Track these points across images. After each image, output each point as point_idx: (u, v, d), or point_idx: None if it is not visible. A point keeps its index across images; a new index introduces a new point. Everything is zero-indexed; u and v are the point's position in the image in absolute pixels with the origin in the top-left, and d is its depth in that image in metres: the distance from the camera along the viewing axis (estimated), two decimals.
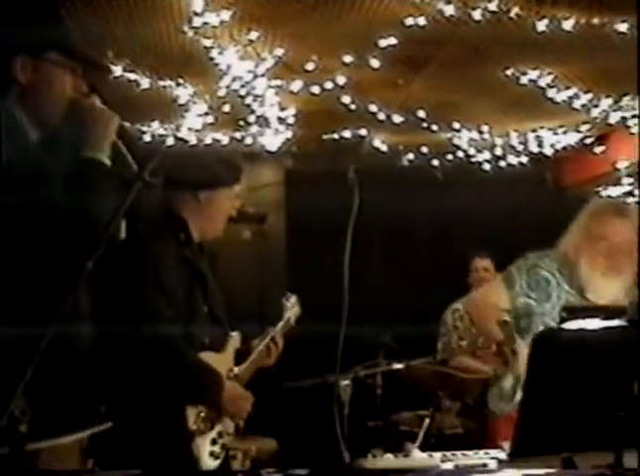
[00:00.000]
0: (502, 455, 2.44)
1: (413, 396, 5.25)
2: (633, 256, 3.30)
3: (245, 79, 4.49)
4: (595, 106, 5.55)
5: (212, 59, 4.36)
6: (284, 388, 3.83)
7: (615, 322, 2.33)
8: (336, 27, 3.87)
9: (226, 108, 4.99)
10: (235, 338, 3.17)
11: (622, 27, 4.12)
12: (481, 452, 2.68)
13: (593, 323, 2.31)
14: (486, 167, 6.83)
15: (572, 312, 2.31)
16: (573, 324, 2.30)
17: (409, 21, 3.79)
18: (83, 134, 2.20)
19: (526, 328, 3.45)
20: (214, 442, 2.94)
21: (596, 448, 2.26)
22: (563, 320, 2.31)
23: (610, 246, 3.34)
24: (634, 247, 3.29)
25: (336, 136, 6.04)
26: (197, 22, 3.92)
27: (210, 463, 2.91)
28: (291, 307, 3.57)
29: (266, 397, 3.60)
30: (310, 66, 4.30)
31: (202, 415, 2.90)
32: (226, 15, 3.76)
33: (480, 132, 6.20)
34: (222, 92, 4.60)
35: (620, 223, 3.35)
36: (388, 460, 2.55)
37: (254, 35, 3.83)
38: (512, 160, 6.80)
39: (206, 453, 2.90)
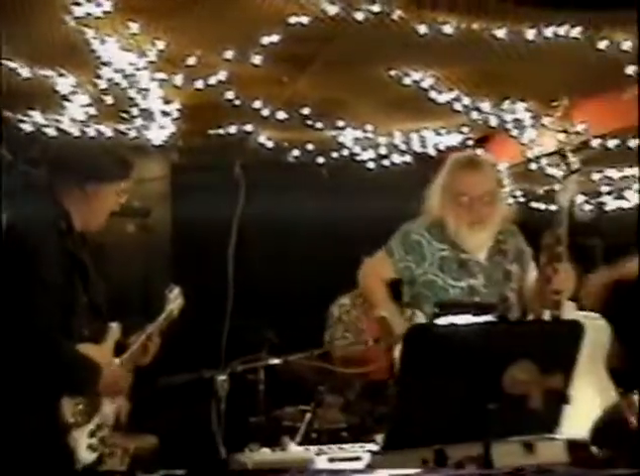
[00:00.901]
0: (376, 448, 2.49)
1: (296, 391, 5.29)
2: (495, 206, 3.46)
3: (127, 72, 4.43)
4: (476, 109, 5.70)
5: (94, 50, 4.29)
6: (160, 383, 3.80)
7: (485, 318, 2.41)
8: (218, 22, 3.86)
9: (109, 100, 4.91)
10: (115, 329, 3.13)
11: (500, 33, 4.24)
12: (357, 446, 2.74)
13: (465, 319, 2.39)
14: (371, 165, 6.93)
15: (444, 309, 2.39)
16: (444, 320, 2.37)
17: (293, 19, 3.81)
18: None
19: (415, 296, 3.56)
20: (92, 435, 2.90)
21: (467, 440, 2.34)
22: (435, 316, 2.38)
23: (470, 199, 3.47)
24: (494, 197, 3.46)
25: (222, 131, 6.01)
26: (79, 12, 3.85)
27: (87, 456, 2.87)
28: (174, 299, 3.55)
29: (146, 392, 3.58)
30: (192, 61, 4.28)
31: (80, 407, 2.85)
32: (107, 5, 3.71)
33: (365, 131, 6.28)
34: (104, 84, 4.53)
35: (473, 176, 3.49)
36: (265, 454, 2.59)
37: (135, 27, 3.78)
38: (396, 159, 6.91)
39: (83, 446, 2.86)
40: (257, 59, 4.24)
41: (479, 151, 3.77)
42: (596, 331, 3.44)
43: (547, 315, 3.26)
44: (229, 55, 4.18)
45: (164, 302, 3.50)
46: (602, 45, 4.47)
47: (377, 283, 3.71)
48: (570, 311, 3.33)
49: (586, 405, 2.89)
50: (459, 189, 3.48)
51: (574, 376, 2.52)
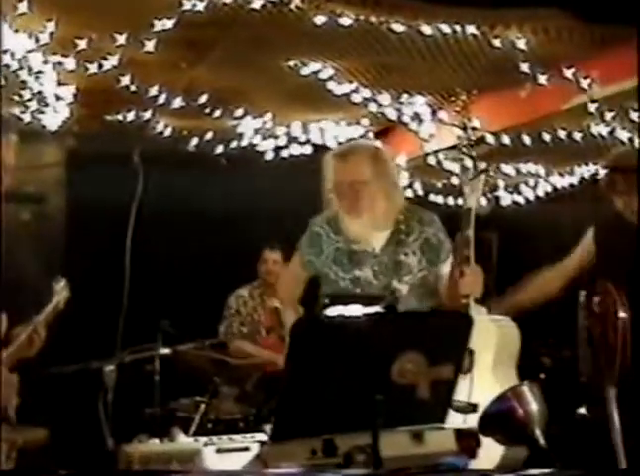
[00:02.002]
0: (266, 438, 2.49)
1: (192, 382, 5.25)
2: (371, 195, 3.45)
3: (18, 54, 4.30)
4: (375, 101, 5.74)
5: None
6: (48, 373, 3.74)
7: (374, 309, 2.43)
8: (110, 4, 3.78)
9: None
10: (0, 321, 3.05)
11: (398, 26, 4.27)
12: (248, 436, 2.73)
13: (353, 310, 2.39)
14: (270, 155, 6.91)
15: (333, 300, 2.39)
16: (333, 311, 2.37)
17: (188, 5, 3.76)
18: None
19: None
20: None
21: (356, 430, 2.35)
22: (324, 307, 2.38)
23: (343, 188, 3.48)
24: (368, 186, 3.44)
25: (119, 117, 5.91)
26: None
27: None
28: (60, 291, 3.48)
29: (34, 384, 3.50)
30: (84, 44, 4.18)
31: None
32: None
33: (264, 121, 6.26)
34: None
35: (344, 164, 3.50)
36: (152, 445, 2.55)
37: (23, 6, 3.66)
38: (295, 150, 6.91)
39: None
40: (150, 45, 4.16)
41: (365, 141, 3.79)
42: (506, 335, 3.52)
43: None
44: (122, 39, 4.10)
45: (52, 294, 3.43)
46: (497, 42, 4.54)
47: (289, 279, 3.77)
48: (479, 315, 3.35)
49: None
50: (335, 179, 3.51)
51: (462, 367, 2.56)
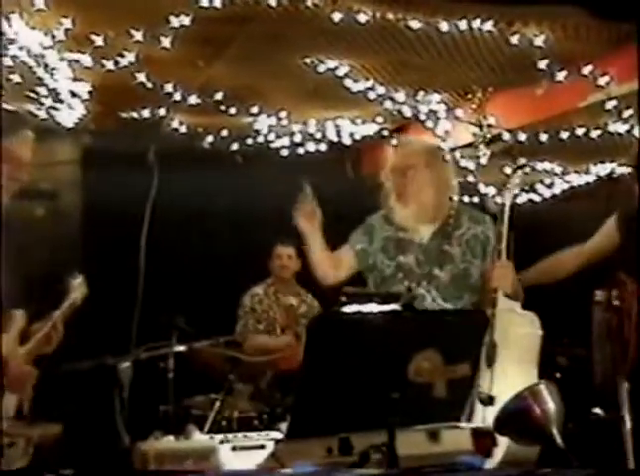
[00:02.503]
0: (281, 436, 2.48)
1: (207, 379, 5.25)
2: (419, 182, 3.62)
3: (34, 50, 4.30)
4: (391, 99, 5.72)
5: None
6: (63, 369, 3.74)
7: (391, 307, 2.42)
8: (124, 0, 3.78)
9: (16, 79, 4.76)
10: (18, 317, 3.05)
11: (415, 23, 4.26)
12: (263, 434, 2.73)
13: (370, 308, 2.38)
14: (285, 153, 6.90)
15: (350, 297, 2.38)
16: (350, 308, 2.36)
17: (203, 1, 3.76)
18: None
19: (382, 282, 3.68)
20: None
21: (372, 429, 2.34)
22: (341, 305, 2.37)
23: (396, 172, 3.68)
24: (417, 173, 3.62)
25: (135, 115, 5.91)
26: None
27: None
28: (78, 287, 3.48)
29: (51, 380, 3.50)
30: (100, 41, 4.18)
31: None
32: None
33: (279, 118, 6.25)
34: (9, 62, 4.38)
35: (397, 150, 3.78)
36: (167, 443, 2.55)
37: (40, 2, 3.66)
38: (311, 147, 6.90)
39: None
40: (167, 42, 4.16)
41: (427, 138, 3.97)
42: (527, 326, 3.53)
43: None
44: (138, 36, 4.10)
45: (69, 290, 3.43)
46: (515, 39, 4.52)
47: (331, 260, 3.83)
48: (509, 309, 3.43)
49: None
50: (391, 162, 3.72)
51: (480, 366, 2.55)
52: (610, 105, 5.05)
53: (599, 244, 4.05)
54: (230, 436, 2.61)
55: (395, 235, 3.70)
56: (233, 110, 5.81)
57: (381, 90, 5.57)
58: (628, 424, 3.52)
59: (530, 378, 3.27)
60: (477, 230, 3.68)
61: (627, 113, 5.24)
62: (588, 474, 2.40)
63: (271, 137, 6.70)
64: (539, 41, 4.54)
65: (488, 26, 4.34)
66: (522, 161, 3.65)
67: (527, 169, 3.81)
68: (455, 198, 3.77)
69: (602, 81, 4.84)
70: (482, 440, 2.69)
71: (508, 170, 7.13)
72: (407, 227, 3.69)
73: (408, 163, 3.66)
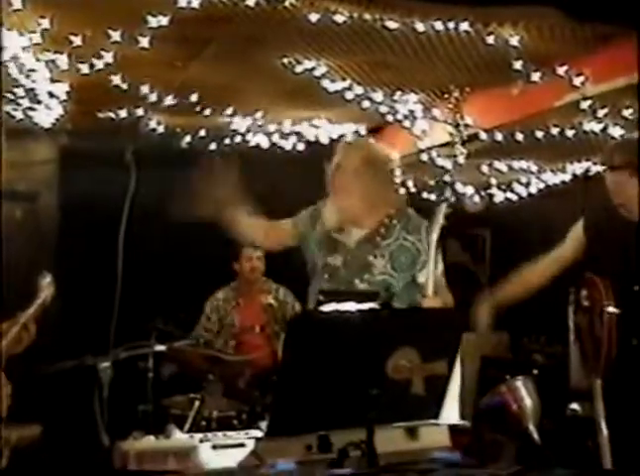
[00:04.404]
0: (260, 435, 2.50)
1: (186, 379, 5.26)
2: (348, 186, 3.59)
3: (11, 52, 4.29)
4: (368, 99, 5.75)
5: None
6: (43, 370, 3.75)
7: (369, 305, 2.44)
8: (103, 1, 3.78)
9: None
10: None
11: (392, 25, 4.28)
12: (242, 433, 2.74)
13: (349, 306, 2.41)
14: (263, 152, 6.91)
15: (328, 295, 2.40)
16: (328, 307, 2.38)
17: (182, 2, 3.76)
18: None
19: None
20: None
21: (351, 426, 2.36)
22: (319, 303, 2.39)
23: (332, 170, 3.65)
24: (349, 174, 3.58)
25: (112, 115, 5.90)
26: None
27: None
28: (47, 287, 3.50)
29: (31, 380, 3.50)
30: (78, 41, 4.18)
31: None
32: None
33: (256, 118, 6.27)
34: None
35: (340, 150, 3.67)
36: (148, 442, 2.55)
37: (17, 3, 3.65)
38: (288, 146, 6.92)
39: None
40: (145, 42, 4.16)
41: (370, 139, 3.84)
42: None
43: None
44: (116, 36, 4.10)
45: (38, 290, 3.44)
46: (491, 39, 4.55)
47: (274, 231, 3.87)
48: None
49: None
50: (333, 160, 3.65)
51: (456, 363, 2.58)
52: (585, 105, 5.10)
53: (571, 248, 4.07)
54: (210, 435, 2.62)
55: (331, 233, 3.68)
56: (208, 111, 5.83)
57: (359, 90, 5.59)
58: (602, 422, 3.56)
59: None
60: (407, 241, 3.62)
61: (602, 113, 5.29)
62: (570, 474, 2.43)
63: (249, 137, 6.71)
64: (514, 41, 4.58)
65: (464, 26, 4.37)
66: (447, 194, 3.67)
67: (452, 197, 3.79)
68: (394, 204, 3.72)
69: (577, 81, 4.89)
70: (460, 436, 2.72)
71: (485, 169, 7.23)
72: (342, 227, 3.67)
73: (341, 163, 3.62)
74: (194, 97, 5.56)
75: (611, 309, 3.60)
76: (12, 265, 6.04)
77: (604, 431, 3.54)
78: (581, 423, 4.24)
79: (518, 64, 4.83)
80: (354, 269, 3.58)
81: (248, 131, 6.57)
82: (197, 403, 4.78)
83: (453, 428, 2.70)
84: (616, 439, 3.54)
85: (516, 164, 7.28)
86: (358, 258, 3.59)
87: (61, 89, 5.33)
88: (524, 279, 4.14)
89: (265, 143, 6.85)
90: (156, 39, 4.21)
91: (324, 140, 6.85)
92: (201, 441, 2.50)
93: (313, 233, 3.72)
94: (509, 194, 8.03)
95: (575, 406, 4.49)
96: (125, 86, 5.00)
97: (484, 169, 7.33)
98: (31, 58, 4.49)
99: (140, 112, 5.79)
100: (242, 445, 2.49)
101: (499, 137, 6.08)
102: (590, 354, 3.70)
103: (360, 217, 3.64)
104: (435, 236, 3.41)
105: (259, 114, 6.20)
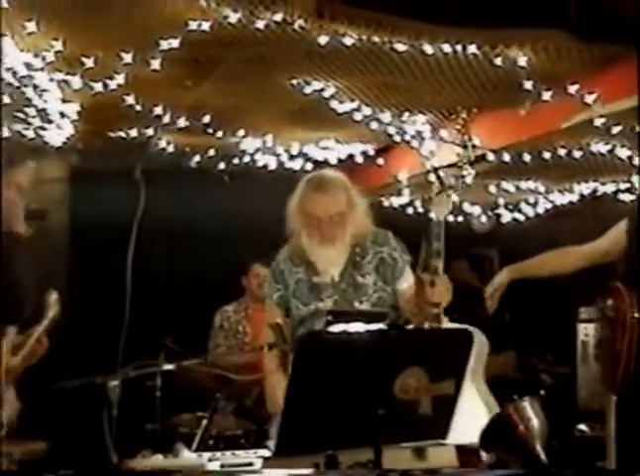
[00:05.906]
0: (268, 454, 2.51)
1: (194, 398, 5.27)
2: (345, 225, 3.51)
3: (23, 72, 4.34)
4: (376, 119, 5.78)
5: None
6: (53, 388, 3.76)
7: (377, 326, 2.46)
8: (115, 23, 3.82)
9: (5, 100, 4.80)
10: (11, 332, 3.10)
11: (401, 47, 4.32)
12: (251, 452, 2.75)
13: (357, 327, 2.43)
14: (271, 172, 6.95)
15: (337, 316, 2.42)
16: (337, 327, 2.40)
17: (193, 25, 3.80)
18: None
19: (298, 326, 3.58)
20: None
21: (358, 445, 2.37)
22: (328, 324, 2.41)
23: (319, 220, 3.51)
24: (343, 217, 3.50)
25: (123, 134, 5.95)
26: None
27: None
28: (54, 303, 3.55)
29: (37, 397, 3.52)
30: (90, 63, 4.22)
31: None
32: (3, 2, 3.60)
33: (266, 139, 6.31)
34: None
35: (322, 198, 3.52)
36: (156, 460, 2.57)
37: (31, 25, 3.69)
38: (297, 166, 6.95)
39: None
40: (156, 64, 4.20)
41: (331, 170, 3.75)
42: (478, 344, 3.52)
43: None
44: (128, 58, 4.14)
45: (47, 306, 3.49)
46: (498, 61, 4.59)
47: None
48: (446, 325, 3.37)
49: (472, 413, 2.96)
50: (309, 211, 3.52)
51: (463, 384, 2.58)
52: (599, 122, 5.10)
53: (605, 247, 3.93)
54: (218, 454, 2.64)
55: (307, 278, 3.59)
56: (220, 133, 5.86)
57: (367, 111, 5.63)
58: (612, 436, 3.52)
59: (482, 391, 3.27)
60: (383, 253, 3.59)
61: (616, 129, 5.30)
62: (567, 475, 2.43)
63: (258, 157, 6.75)
64: (522, 61, 4.61)
65: (472, 49, 4.40)
66: (450, 181, 3.63)
67: (458, 190, 3.74)
68: (366, 227, 3.66)
69: (589, 99, 4.89)
70: (468, 456, 2.73)
71: (493, 189, 7.24)
72: (321, 269, 3.58)
73: (336, 211, 3.52)
74: (206, 119, 5.59)
75: (636, 315, 3.51)
76: (21, 282, 6.08)
77: (613, 445, 3.50)
78: (590, 444, 4.22)
79: (529, 84, 4.86)
80: (348, 298, 3.50)
81: (256, 151, 6.61)
82: (205, 421, 4.78)
83: (460, 448, 2.71)
84: (626, 455, 3.51)
85: (524, 184, 7.31)
86: (347, 287, 3.54)
87: (73, 109, 5.38)
88: (554, 257, 4.04)
89: (272, 163, 6.89)
90: (166, 60, 4.25)
91: (332, 160, 6.88)
92: (209, 460, 2.52)
93: (289, 292, 3.63)
94: (517, 215, 8.05)
95: (583, 426, 4.48)
96: (137, 107, 5.05)
97: (492, 189, 7.35)
98: (44, 78, 4.53)
99: (150, 132, 5.83)
100: (250, 464, 2.50)
101: (507, 157, 6.10)
102: (608, 368, 3.64)
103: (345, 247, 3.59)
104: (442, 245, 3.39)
105: (269, 135, 6.23)
